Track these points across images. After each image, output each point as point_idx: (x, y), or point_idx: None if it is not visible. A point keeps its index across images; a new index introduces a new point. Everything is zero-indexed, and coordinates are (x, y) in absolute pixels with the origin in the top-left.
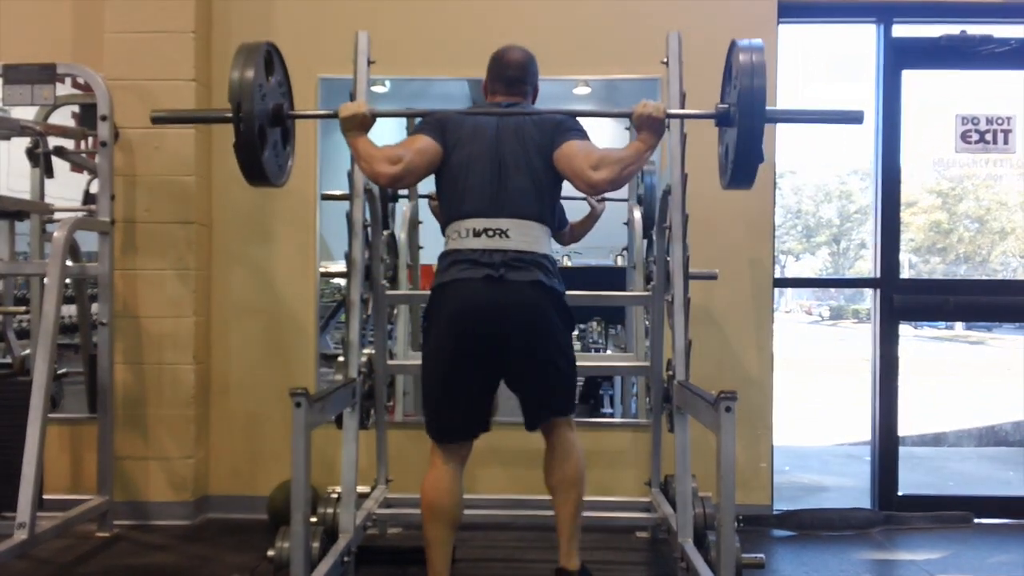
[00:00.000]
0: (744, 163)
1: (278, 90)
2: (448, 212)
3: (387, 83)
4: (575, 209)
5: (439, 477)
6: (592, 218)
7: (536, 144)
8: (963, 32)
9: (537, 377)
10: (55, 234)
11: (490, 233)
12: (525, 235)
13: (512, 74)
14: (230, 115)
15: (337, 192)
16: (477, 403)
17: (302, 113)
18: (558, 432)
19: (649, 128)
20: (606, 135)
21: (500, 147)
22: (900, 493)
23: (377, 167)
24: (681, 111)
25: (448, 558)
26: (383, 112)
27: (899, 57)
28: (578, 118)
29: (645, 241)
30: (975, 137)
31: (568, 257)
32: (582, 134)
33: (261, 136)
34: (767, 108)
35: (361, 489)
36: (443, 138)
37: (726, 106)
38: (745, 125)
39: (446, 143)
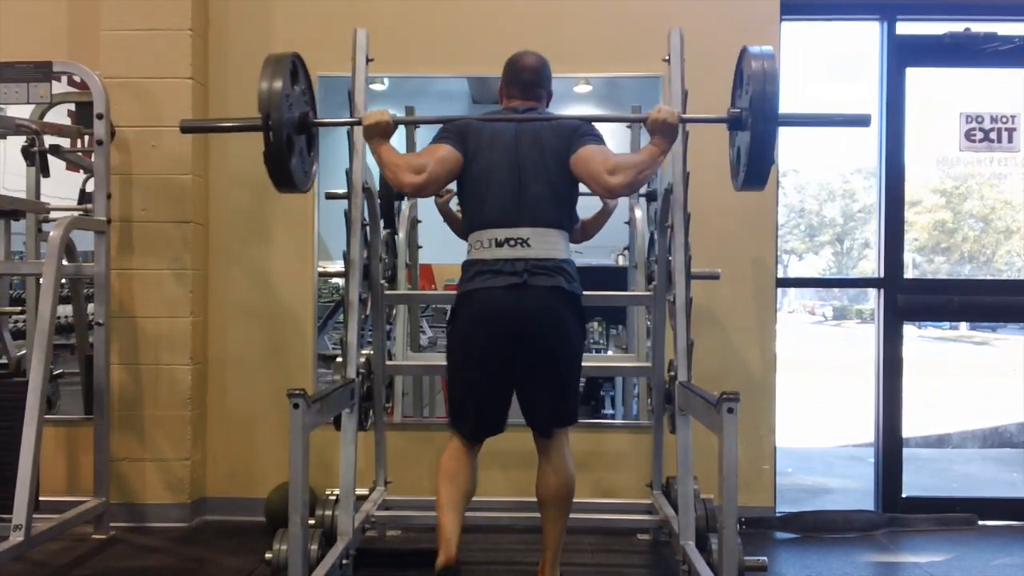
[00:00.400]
0: (757, 166)
1: (302, 99)
2: (470, 221)
3: (386, 81)
4: (585, 206)
5: (457, 452)
6: (605, 214)
7: (554, 150)
8: (967, 30)
9: (550, 381)
10: (51, 233)
11: (512, 243)
12: (545, 242)
13: (527, 78)
14: (259, 124)
15: (339, 191)
16: (494, 407)
17: (327, 121)
18: (557, 446)
19: (663, 133)
20: (606, 132)
21: (519, 154)
22: (904, 495)
23: (402, 177)
24: (694, 116)
25: (458, 524)
26: (405, 119)
27: (902, 55)
28: (593, 123)
29: (647, 240)
30: (979, 135)
31: None
32: (598, 139)
33: (289, 144)
34: (779, 112)
35: (359, 491)
36: (464, 146)
37: (738, 111)
38: (758, 130)
39: (467, 151)
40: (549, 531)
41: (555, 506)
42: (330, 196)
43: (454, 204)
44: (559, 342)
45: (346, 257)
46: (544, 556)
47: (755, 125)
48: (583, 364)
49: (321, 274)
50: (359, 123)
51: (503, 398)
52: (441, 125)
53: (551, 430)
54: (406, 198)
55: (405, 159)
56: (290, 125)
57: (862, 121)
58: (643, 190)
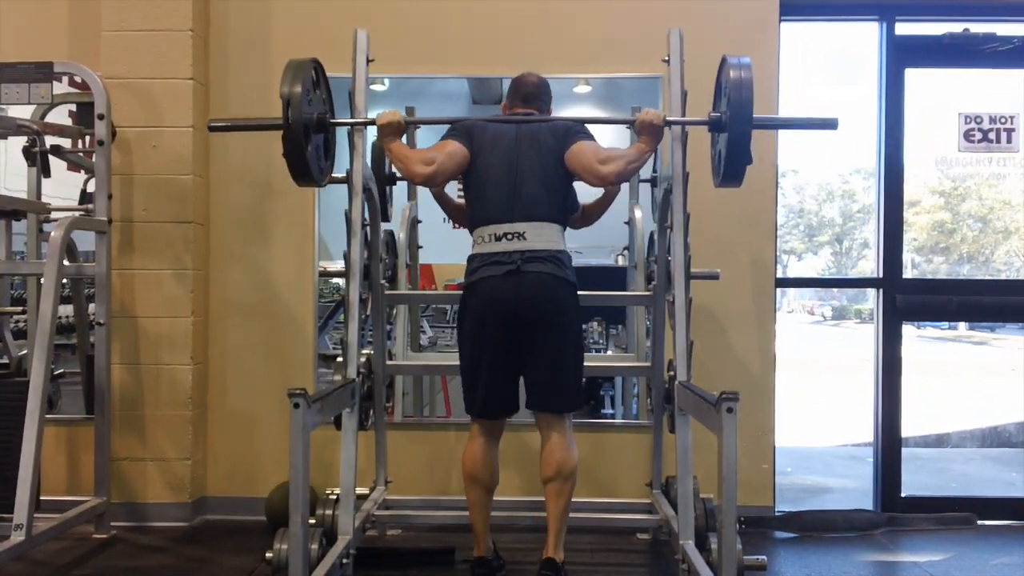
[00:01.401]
0: (734, 165)
1: (321, 101)
2: (473, 217)
3: (386, 81)
4: (589, 195)
5: (475, 450)
6: (607, 199)
7: (550, 149)
8: (966, 30)
9: (547, 356)
10: (52, 234)
11: (509, 236)
12: (540, 235)
13: (528, 91)
14: (282, 123)
15: (339, 176)
16: (502, 383)
17: (342, 121)
18: (558, 428)
19: (649, 134)
20: (608, 133)
21: (518, 155)
22: (903, 495)
23: (413, 168)
24: (678, 118)
25: (486, 518)
26: (415, 120)
27: (902, 55)
28: (586, 125)
29: (647, 240)
30: (978, 136)
31: None
32: (590, 136)
33: (308, 142)
34: (754, 116)
35: (360, 490)
36: (470, 143)
37: (718, 114)
38: (735, 132)
39: (472, 148)
40: (551, 509)
41: (556, 482)
42: (331, 181)
43: (448, 189)
44: (554, 320)
45: (346, 257)
46: (548, 537)
47: (732, 127)
48: (585, 364)
49: (321, 274)
50: (373, 123)
51: (509, 375)
52: (448, 125)
53: (550, 408)
54: (408, 198)
55: (416, 153)
56: (309, 124)
57: (830, 125)
58: (646, 176)
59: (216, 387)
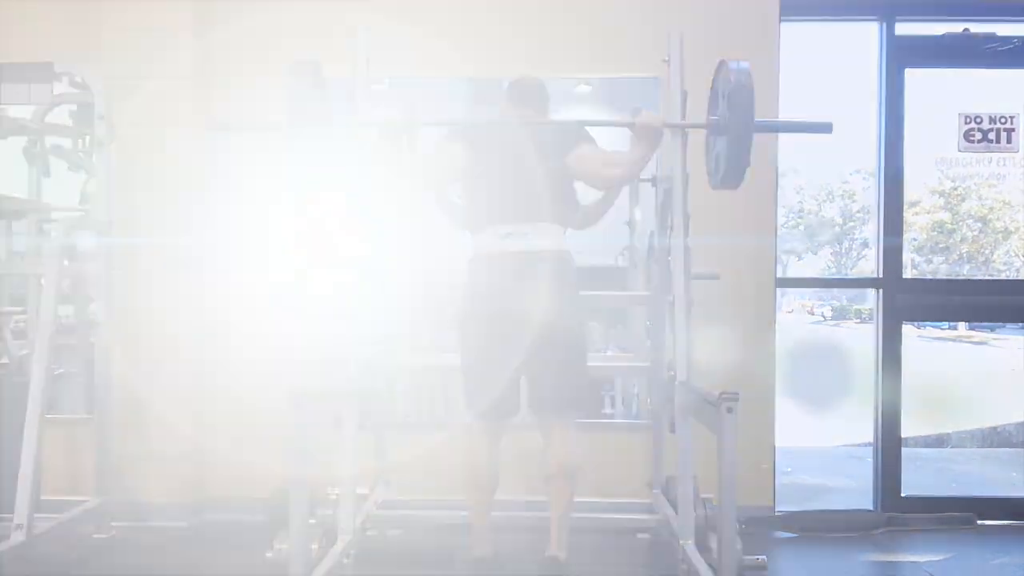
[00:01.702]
0: (734, 167)
1: (320, 102)
2: (475, 219)
3: (386, 81)
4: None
5: (476, 451)
6: (609, 199)
7: (551, 150)
8: (966, 30)
9: (548, 356)
10: (52, 234)
11: (512, 237)
12: (542, 235)
13: (525, 92)
14: (282, 123)
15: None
16: (504, 387)
17: (343, 121)
18: (560, 427)
19: (647, 136)
20: (608, 134)
21: (519, 156)
22: (903, 494)
23: (413, 169)
24: (677, 121)
25: (486, 519)
26: (415, 120)
27: (902, 55)
28: (586, 127)
29: (647, 240)
30: (978, 136)
31: None
32: (591, 139)
33: (308, 141)
34: (753, 120)
35: (360, 490)
36: (471, 145)
37: (716, 117)
38: (734, 135)
39: (473, 150)
40: (553, 508)
41: (558, 481)
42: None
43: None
44: (556, 320)
45: (347, 257)
46: (551, 535)
47: (732, 131)
48: None
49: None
50: (373, 123)
51: (511, 376)
52: (449, 125)
53: (552, 408)
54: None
55: (417, 155)
56: (311, 125)
57: (824, 128)
58: (647, 176)
59: (217, 386)
